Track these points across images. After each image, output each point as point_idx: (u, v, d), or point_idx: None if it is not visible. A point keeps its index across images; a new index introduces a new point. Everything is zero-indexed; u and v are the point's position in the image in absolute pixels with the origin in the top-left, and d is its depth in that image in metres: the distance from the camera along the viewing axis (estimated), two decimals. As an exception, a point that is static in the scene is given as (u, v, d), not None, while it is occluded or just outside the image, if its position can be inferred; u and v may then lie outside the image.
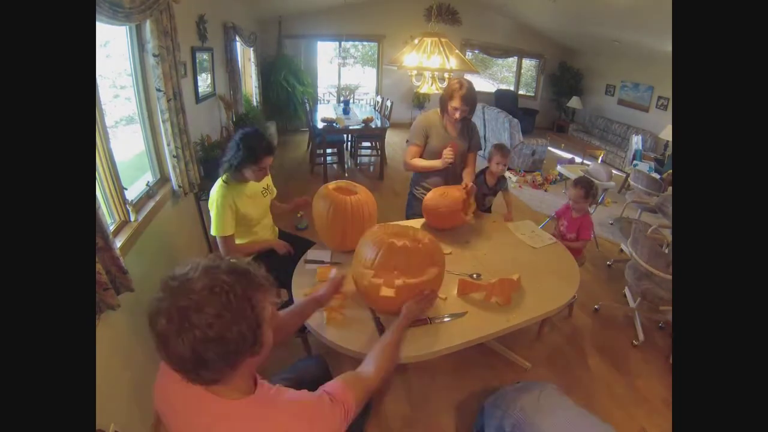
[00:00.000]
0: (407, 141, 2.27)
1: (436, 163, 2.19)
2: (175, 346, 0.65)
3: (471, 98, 2.10)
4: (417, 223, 2.23)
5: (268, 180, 2.02)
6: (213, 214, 1.80)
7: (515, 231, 2.20)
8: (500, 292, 1.57)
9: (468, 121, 2.31)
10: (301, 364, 1.48)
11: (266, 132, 4.79)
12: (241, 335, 0.69)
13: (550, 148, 6.11)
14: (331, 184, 1.92)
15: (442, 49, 3.05)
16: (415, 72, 3.29)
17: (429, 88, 3.32)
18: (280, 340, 1.09)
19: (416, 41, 3.18)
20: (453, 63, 3.08)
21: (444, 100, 2.17)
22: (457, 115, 2.13)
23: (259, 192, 1.96)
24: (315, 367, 1.43)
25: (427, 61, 3.05)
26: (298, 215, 1.87)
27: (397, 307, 1.33)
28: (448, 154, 2.12)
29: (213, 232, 1.82)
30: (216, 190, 1.80)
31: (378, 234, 1.47)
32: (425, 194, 2.20)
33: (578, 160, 5.91)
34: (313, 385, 0.91)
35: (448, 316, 1.50)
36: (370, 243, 1.43)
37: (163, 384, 0.81)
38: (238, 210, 1.82)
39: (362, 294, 1.45)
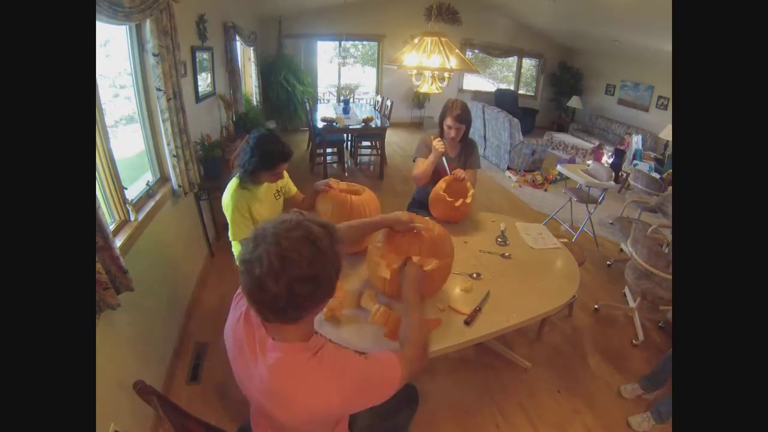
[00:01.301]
0: (414, 158, 2.45)
1: (431, 158, 2.28)
2: (272, 287, 0.74)
3: (464, 118, 2.24)
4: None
5: (282, 182, 1.98)
6: (230, 219, 1.75)
7: (522, 231, 2.20)
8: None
9: (467, 141, 2.43)
10: None
11: (262, 127, 4.80)
12: (328, 277, 0.81)
13: (551, 151, 6.11)
14: (338, 185, 1.94)
15: (442, 48, 3.04)
16: (414, 71, 3.28)
17: (429, 87, 3.32)
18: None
19: (416, 41, 3.17)
20: (453, 62, 3.08)
21: (440, 120, 2.34)
22: (453, 133, 2.27)
23: (272, 196, 1.92)
24: None
25: (427, 61, 3.05)
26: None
27: (392, 290, 1.44)
28: (438, 144, 2.21)
29: (231, 238, 1.82)
30: (230, 194, 1.72)
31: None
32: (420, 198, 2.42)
33: (578, 159, 5.91)
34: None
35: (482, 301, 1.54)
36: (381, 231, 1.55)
37: (235, 334, 0.93)
38: (252, 216, 1.78)
39: (369, 272, 1.55)
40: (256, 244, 0.77)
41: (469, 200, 2.13)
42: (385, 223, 1.50)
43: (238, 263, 0.80)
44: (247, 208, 1.74)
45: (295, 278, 0.75)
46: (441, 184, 2.17)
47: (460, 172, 2.23)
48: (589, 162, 4.63)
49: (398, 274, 1.37)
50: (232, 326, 0.95)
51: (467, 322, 1.44)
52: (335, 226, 0.86)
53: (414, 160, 2.43)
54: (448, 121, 2.26)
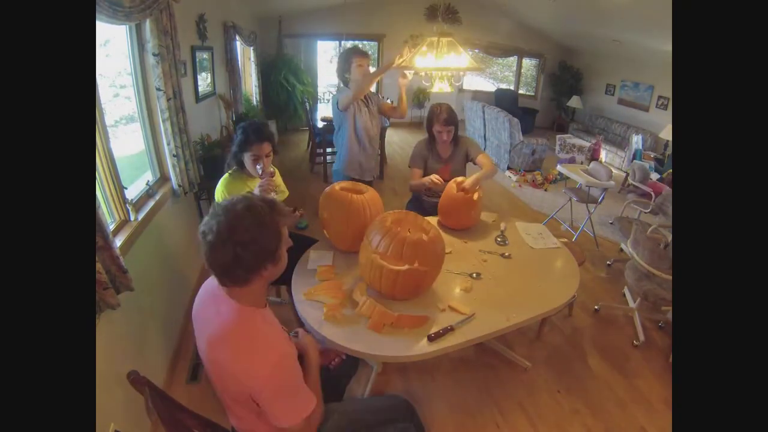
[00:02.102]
0: (409, 166, 2.56)
1: (424, 180, 2.37)
2: (221, 252, 0.90)
3: (451, 120, 2.35)
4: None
5: (277, 180, 2.00)
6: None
7: (522, 231, 2.20)
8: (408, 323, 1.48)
9: (458, 140, 2.50)
10: None
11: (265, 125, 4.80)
12: (269, 242, 0.95)
13: (553, 153, 6.11)
14: (338, 185, 1.94)
15: (453, 48, 3.03)
16: (423, 73, 3.28)
17: (440, 88, 3.31)
18: None
19: (428, 41, 3.16)
20: (465, 62, 3.07)
21: (428, 127, 2.43)
22: (444, 137, 2.37)
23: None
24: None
25: (441, 61, 3.04)
26: (298, 214, 1.87)
27: (397, 293, 1.52)
28: (434, 180, 2.30)
29: None
30: (220, 183, 1.86)
31: (384, 223, 1.59)
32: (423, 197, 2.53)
33: (579, 159, 5.91)
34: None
35: (459, 323, 1.47)
36: (375, 231, 1.57)
37: (200, 299, 1.09)
38: None
39: (361, 270, 1.60)
40: (210, 217, 0.92)
41: (476, 197, 2.13)
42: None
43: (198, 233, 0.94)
44: (235, 192, 1.79)
45: (238, 242, 0.89)
46: (449, 193, 2.17)
47: (460, 181, 2.24)
48: (590, 162, 4.63)
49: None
50: (202, 294, 1.09)
51: (431, 339, 1.38)
52: (278, 203, 1.01)
53: (410, 167, 2.53)
54: (437, 127, 2.37)
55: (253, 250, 0.91)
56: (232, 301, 0.98)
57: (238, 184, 1.86)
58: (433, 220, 2.24)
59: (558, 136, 6.14)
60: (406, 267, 1.43)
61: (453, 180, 2.23)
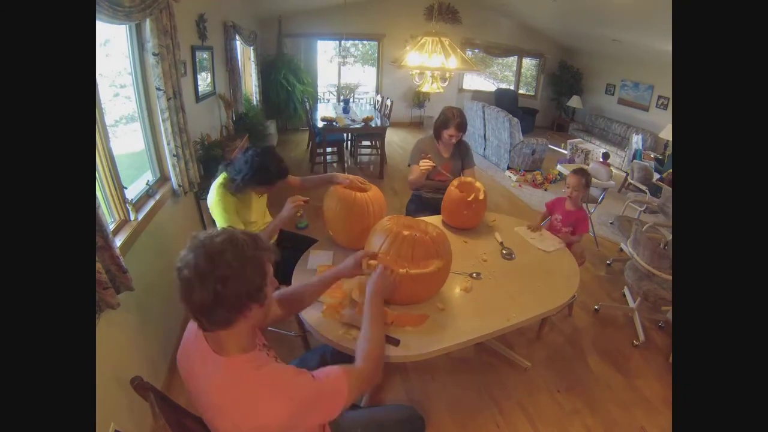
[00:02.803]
0: (408, 164, 2.59)
1: (421, 171, 2.40)
2: (199, 291, 0.78)
3: (464, 125, 2.42)
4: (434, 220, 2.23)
5: None
6: (217, 218, 1.76)
7: (523, 234, 2.19)
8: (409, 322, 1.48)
9: (460, 142, 2.56)
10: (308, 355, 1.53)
11: (261, 126, 4.75)
12: (253, 280, 0.84)
13: (551, 146, 6.10)
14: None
15: (443, 48, 3.05)
16: (416, 71, 3.29)
17: (430, 87, 3.32)
18: (300, 309, 1.34)
19: (420, 40, 3.17)
20: (453, 62, 3.08)
21: (439, 127, 2.47)
22: (453, 140, 2.45)
23: (255, 198, 1.95)
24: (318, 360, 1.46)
25: (429, 60, 3.05)
26: (298, 214, 1.87)
27: (401, 297, 1.43)
28: (425, 163, 2.35)
29: None
30: (216, 193, 1.75)
31: (388, 224, 1.57)
32: (423, 194, 2.58)
33: (578, 159, 5.91)
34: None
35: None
36: (380, 232, 1.54)
37: (184, 349, 0.98)
38: (241, 217, 1.83)
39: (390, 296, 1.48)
40: (188, 250, 0.82)
41: (481, 196, 2.11)
42: (340, 275, 1.37)
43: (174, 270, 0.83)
44: (235, 210, 1.78)
45: (218, 278, 0.79)
46: (452, 189, 2.17)
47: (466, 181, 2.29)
48: (590, 162, 4.63)
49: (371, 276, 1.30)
50: (185, 343, 0.98)
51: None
52: (262, 239, 0.91)
53: (409, 165, 2.57)
54: (451, 131, 2.40)
55: (234, 287, 0.81)
56: (219, 358, 0.87)
57: (236, 201, 1.79)
58: (433, 219, 2.24)
59: (569, 141, 6.13)
60: (434, 266, 1.43)
61: (456, 179, 2.23)
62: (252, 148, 1.77)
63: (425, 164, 2.34)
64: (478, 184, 2.18)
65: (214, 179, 1.84)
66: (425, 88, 3.38)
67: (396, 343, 1.34)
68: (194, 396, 0.94)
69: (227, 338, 0.87)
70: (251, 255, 0.84)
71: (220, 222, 1.76)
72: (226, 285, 0.80)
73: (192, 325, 0.96)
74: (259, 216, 1.98)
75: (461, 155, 2.56)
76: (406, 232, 1.51)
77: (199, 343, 0.90)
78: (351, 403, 0.96)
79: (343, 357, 1.40)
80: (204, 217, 2.92)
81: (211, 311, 0.81)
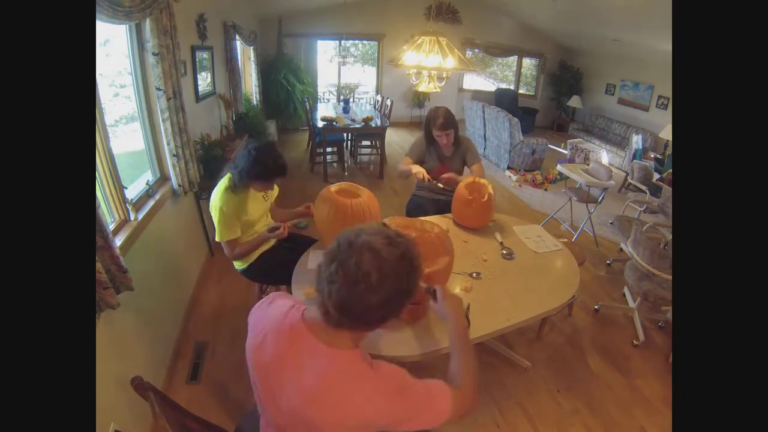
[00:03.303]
0: (406, 154, 2.54)
1: (411, 171, 2.36)
2: (371, 300, 0.78)
3: (448, 124, 2.32)
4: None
5: None
6: (216, 221, 1.75)
7: (521, 234, 2.19)
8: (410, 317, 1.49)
9: (460, 140, 2.49)
10: None
11: (261, 126, 4.74)
12: (415, 288, 0.85)
13: (551, 146, 6.11)
14: (334, 186, 1.84)
15: (439, 48, 3.05)
16: (414, 71, 3.29)
17: (427, 86, 3.32)
18: None
19: (418, 39, 3.18)
20: (450, 62, 3.08)
21: (426, 130, 2.42)
22: (444, 140, 2.36)
23: (260, 196, 1.94)
24: None
25: (426, 60, 3.06)
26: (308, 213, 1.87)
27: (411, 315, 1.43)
28: (418, 175, 2.32)
29: (218, 238, 1.79)
30: (219, 197, 1.73)
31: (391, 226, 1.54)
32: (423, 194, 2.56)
33: (578, 159, 5.91)
34: None
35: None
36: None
37: (270, 341, 0.90)
38: (240, 217, 1.81)
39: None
40: (352, 252, 0.79)
41: (484, 198, 2.09)
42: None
43: (324, 271, 0.80)
44: (234, 210, 1.76)
45: (393, 291, 0.80)
46: (460, 186, 2.15)
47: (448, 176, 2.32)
48: (590, 162, 4.62)
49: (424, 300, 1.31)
50: (270, 334, 0.92)
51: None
52: (416, 241, 0.90)
53: (406, 154, 2.52)
54: (435, 132, 2.36)
55: (405, 299, 0.84)
56: (333, 350, 0.85)
57: (235, 198, 1.76)
58: (436, 219, 2.24)
59: (569, 141, 6.13)
60: (444, 262, 1.45)
61: (471, 177, 2.22)
62: (252, 142, 1.76)
63: (421, 176, 2.31)
64: (483, 181, 2.16)
65: (219, 179, 1.81)
66: (422, 88, 3.38)
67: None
68: (277, 388, 0.89)
69: (349, 335, 0.86)
70: (418, 265, 0.85)
71: (218, 224, 1.75)
72: (400, 297, 0.82)
73: (273, 314, 0.93)
74: (260, 216, 1.96)
75: (462, 153, 2.51)
76: (411, 234, 1.51)
77: (298, 334, 0.87)
78: (447, 422, 0.95)
79: None
80: (204, 217, 2.92)
81: (369, 320, 0.83)
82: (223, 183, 1.77)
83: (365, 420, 0.84)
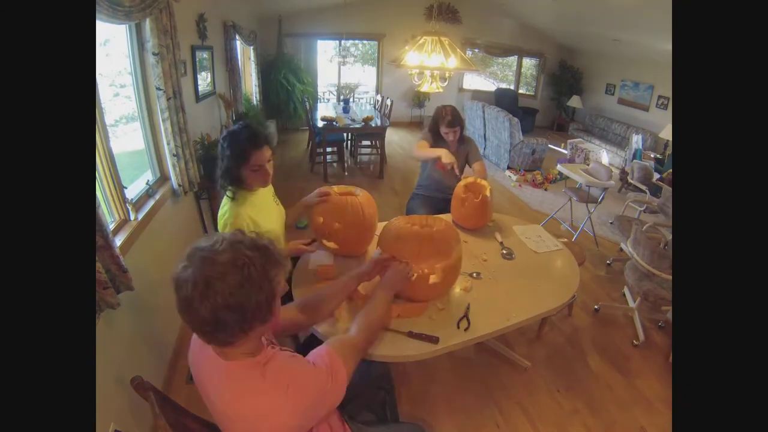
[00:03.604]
0: (421, 138, 2.54)
1: (437, 152, 2.33)
2: (198, 310, 0.73)
3: (456, 122, 2.41)
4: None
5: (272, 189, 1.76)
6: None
7: (521, 234, 2.19)
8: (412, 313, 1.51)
9: (463, 138, 2.57)
10: None
11: (261, 125, 4.72)
12: (257, 305, 0.77)
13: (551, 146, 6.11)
14: (334, 188, 1.84)
15: (441, 47, 3.05)
16: (416, 71, 3.29)
17: (430, 87, 3.32)
18: (322, 316, 1.29)
19: (420, 39, 3.17)
20: (453, 62, 3.08)
21: (433, 128, 2.48)
22: (451, 137, 2.44)
23: (272, 201, 1.72)
24: None
25: (428, 60, 3.05)
26: (312, 249, 1.79)
27: (442, 290, 1.52)
28: (449, 157, 2.28)
29: None
30: (226, 210, 1.50)
31: (398, 223, 1.58)
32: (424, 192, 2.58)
33: (578, 159, 5.91)
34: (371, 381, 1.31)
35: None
36: (397, 236, 1.54)
37: (193, 355, 0.94)
38: (258, 227, 1.52)
39: (403, 289, 1.50)
40: (187, 263, 0.75)
41: (477, 199, 2.11)
42: (360, 279, 1.39)
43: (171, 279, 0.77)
44: (249, 221, 1.50)
45: (219, 305, 0.72)
46: (460, 189, 2.18)
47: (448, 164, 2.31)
48: (590, 161, 4.62)
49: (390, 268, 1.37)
50: (193, 349, 0.94)
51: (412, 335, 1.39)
52: (273, 247, 0.83)
53: (421, 139, 2.52)
54: (443, 129, 2.42)
55: (236, 316, 0.75)
56: (224, 363, 0.83)
57: (246, 208, 1.51)
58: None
59: (569, 141, 6.12)
60: (456, 254, 1.49)
61: (471, 177, 2.24)
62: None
63: (448, 160, 2.27)
64: (484, 182, 2.18)
65: (219, 177, 1.71)
66: (424, 88, 3.38)
67: (436, 341, 1.36)
68: (206, 402, 0.90)
69: (230, 351, 0.83)
70: (258, 277, 0.76)
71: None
72: (226, 312, 0.73)
73: None
74: (281, 227, 1.73)
75: (465, 151, 2.57)
76: (420, 229, 1.54)
77: (205, 350, 0.86)
78: (351, 373, 0.95)
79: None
80: (204, 217, 2.92)
81: (211, 333, 0.77)
82: (225, 201, 1.54)
83: (276, 426, 0.81)
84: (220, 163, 1.50)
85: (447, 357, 2.21)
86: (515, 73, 9.20)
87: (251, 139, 1.47)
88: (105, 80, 2.01)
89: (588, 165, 4.16)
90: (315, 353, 0.94)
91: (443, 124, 2.41)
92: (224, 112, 3.91)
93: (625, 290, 2.98)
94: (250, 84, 5.78)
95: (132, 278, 1.43)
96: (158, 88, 2.02)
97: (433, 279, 1.42)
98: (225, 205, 1.52)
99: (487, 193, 2.10)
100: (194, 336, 0.92)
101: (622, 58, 7.11)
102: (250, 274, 0.75)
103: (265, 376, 0.82)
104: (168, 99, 2.05)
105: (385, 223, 1.68)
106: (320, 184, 4.71)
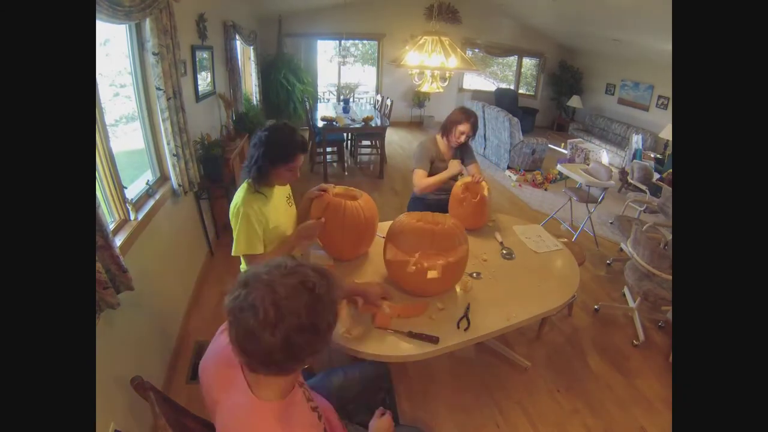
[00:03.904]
0: (413, 169, 2.42)
1: (445, 173, 2.33)
2: (267, 339, 0.69)
3: (476, 126, 2.38)
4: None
5: (288, 189, 1.74)
6: (236, 230, 1.46)
7: (521, 234, 2.19)
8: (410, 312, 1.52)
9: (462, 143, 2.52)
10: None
11: (261, 126, 4.73)
12: (328, 325, 0.76)
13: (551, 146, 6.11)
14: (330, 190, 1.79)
15: (442, 47, 3.05)
16: (416, 71, 3.29)
17: (430, 86, 3.32)
18: None
19: (420, 39, 3.17)
20: (453, 62, 3.08)
21: (451, 124, 2.37)
22: (462, 138, 2.35)
23: (284, 202, 1.68)
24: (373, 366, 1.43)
25: (428, 60, 3.05)
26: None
27: (442, 287, 1.55)
28: (457, 162, 2.33)
29: (236, 251, 1.49)
30: (241, 199, 1.47)
31: (407, 220, 1.61)
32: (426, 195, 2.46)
33: (578, 159, 5.91)
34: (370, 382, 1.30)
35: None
36: (402, 231, 1.57)
37: (211, 365, 0.91)
38: (269, 223, 1.52)
39: (404, 282, 1.58)
40: (248, 290, 0.71)
41: (476, 199, 2.11)
42: (354, 293, 1.41)
43: (225, 309, 0.73)
44: (261, 215, 1.49)
45: (293, 328, 0.70)
46: (458, 189, 2.16)
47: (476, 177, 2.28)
48: (590, 161, 4.62)
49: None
50: (214, 359, 0.91)
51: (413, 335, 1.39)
52: (331, 271, 0.82)
53: (413, 171, 2.40)
54: (464, 128, 2.32)
55: (308, 338, 0.72)
56: (251, 397, 0.79)
57: (260, 199, 1.50)
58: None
59: (569, 141, 6.12)
60: (462, 251, 1.52)
61: (469, 177, 2.23)
62: (260, 129, 1.53)
63: (458, 164, 2.31)
64: (483, 183, 2.16)
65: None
66: (425, 88, 3.38)
67: (436, 340, 1.36)
68: (210, 410, 0.89)
69: (271, 382, 0.79)
70: (326, 298, 0.75)
71: (239, 234, 1.46)
72: (301, 333, 0.71)
73: (223, 341, 0.87)
74: (290, 227, 1.69)
75: (462, 153, 2.53)
76: (426, 226, 1.56)
77: (232, 369, 0.83)
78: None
79: (367, 370, 1.40)
80: (204, 217, 2.92)
81: (276, 362, 0.73)
82: (243, 187, 1.52)
83: None
84: (254, 152, 1.48)
85: (447, 357, 2.21)
86: (515, 73, 9.19)
87: (300, 143, 1.49)
88: (105, 80, 2.01)
89: (588, 165, 4.16)
90: (323, 405, 0.94)
91: (468, 122, 2.31)
92: (224, 111, 3.91)
93: (625, 290, 2.98)
94: (250, 84, 5.78)
95: (132, 278, 1.43)
96: (158, 88, 2.02)
97: (431, 274, 1.42)
98: (240, 193, 1.51)
99: (485, 192, 2.09)
100: (217, 344, 0.91)
101: (622, 58, 7.10)
102: (320, 295, 0.74)
103: (283, 419, 0.80)
104: (168, 99, 2.05)
105: (385, 223, 1.68)
106: (320, 184, 4.71)
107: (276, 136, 1.46)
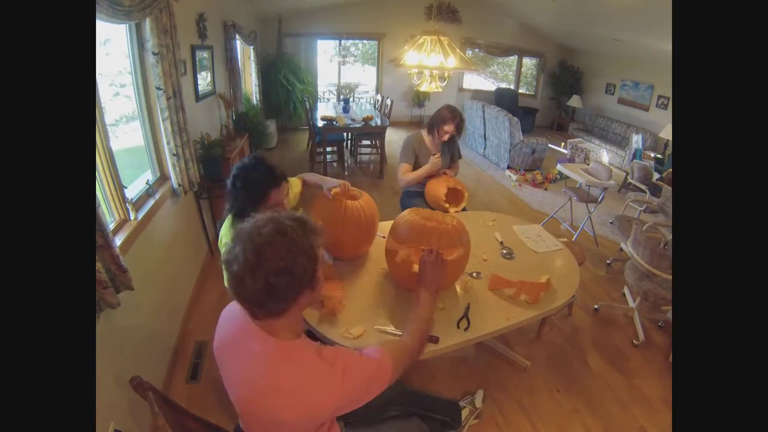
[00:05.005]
0: (399, 163, 2.59)
1: (425, 168, 2.47)
2: (251, 283, 0.77)
3: (461, 127, 2.49)
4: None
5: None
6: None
7: (521, 234, 2.19)
8: (529, 291, 1.62)
9: (450, 138, 2.61)
10: None
11: (261, 125, 4.53)
12: (304, 267, 0.82)
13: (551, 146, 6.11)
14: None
15: (441, 47, 3.04)
16: (415, 70, 3.29)
17: (429, 86, 3.32)
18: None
19: (419, 39, 3.17)
20: (452, 62, 3.08)
21: (437, 123, 2.49)
22: (446, 137, 2.49)
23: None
24: None
25: (427, 60, 3.05)
26: (299, 211, 1.80)
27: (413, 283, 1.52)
28: (436, 159, 2.44)
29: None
30: (225, 234, 1.43)
31: (411, 216, 1.62)
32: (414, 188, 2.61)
33: (578, 158, 5.91)
34: None
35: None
36: (403, 224, 1.60)
37: (227, 334, 0.96)
38: None
39: (394, 272, 1.61)
40: (234, 244, 0.80)
41: (461, 207, 2.28)
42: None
43: (221, 265, 0.82)
44: None
45: (270, 271, 0.78)
46: (442, 190, 2.28)
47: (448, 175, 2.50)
48: (590, 161, 4.62)
49: (420, 262, 1.37)
50: (227, 327, 0.97)
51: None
52: (309, 217, 0.89)
53: (399, 166, 2.57)
54: (449, 128, 2.44)
55: (287, 279, 0.80)
56: (269, 338, 0.86)
57: None
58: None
59: (569, 141, 6.12)
60: (457, 254, 1.51)
61: (451, 179, 2.29)
62: (231, 175, 1.44)
63: (437, 159, 2.42)
64: (461, 186, 2.35)
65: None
66: (424, 88, 3.38)
67: (436, 340, 1.37)
68: (237, 379, 0.92)
69: (280, 325, 0.87)
70: (301, 242, 0.82)
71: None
72: (278, 277, 0.78)
73: (234, 310, 0.97)
74: None
75: (450, 150, 2.62)
76: (429, 224, 1.56)
77: (249, 326, 0.90)
78: (398, 375, 1.00)
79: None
80: (204, 217, 2.92)
81: (264, 303, 0.81)
82: (226, 223, 1.46)
83: (320, 407, 0.86)
84: (231, 199, 1.41)
85: (447, 357, 2.21)
86: (515, 73, 9.19)
87: (268, 177, 1.39)
88: (105, 80, 2.01)
89: (588, 165, 4.16)
90: (368, 349, 0.99)
91: (453, 123, 2.43)
92: (224, 111, 3.91)
93: (625, 290, 2.98)
94: (250, 84, 5.78)
95: (132, 278, 1.43)
96: (158, 88, 2.02)
97: (415, 268, 1.43)
98: (224, 230, 1.45)
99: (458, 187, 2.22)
100: (227, 314, 0.99)
101: (622, 58, 7.10)
102: (295, 240, 0.81)
103: (323, 357, 0.87)
104: (168, 99, 2.05)
105: (385, 222, 1.68)
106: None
107: (244, 178, 1.39)
